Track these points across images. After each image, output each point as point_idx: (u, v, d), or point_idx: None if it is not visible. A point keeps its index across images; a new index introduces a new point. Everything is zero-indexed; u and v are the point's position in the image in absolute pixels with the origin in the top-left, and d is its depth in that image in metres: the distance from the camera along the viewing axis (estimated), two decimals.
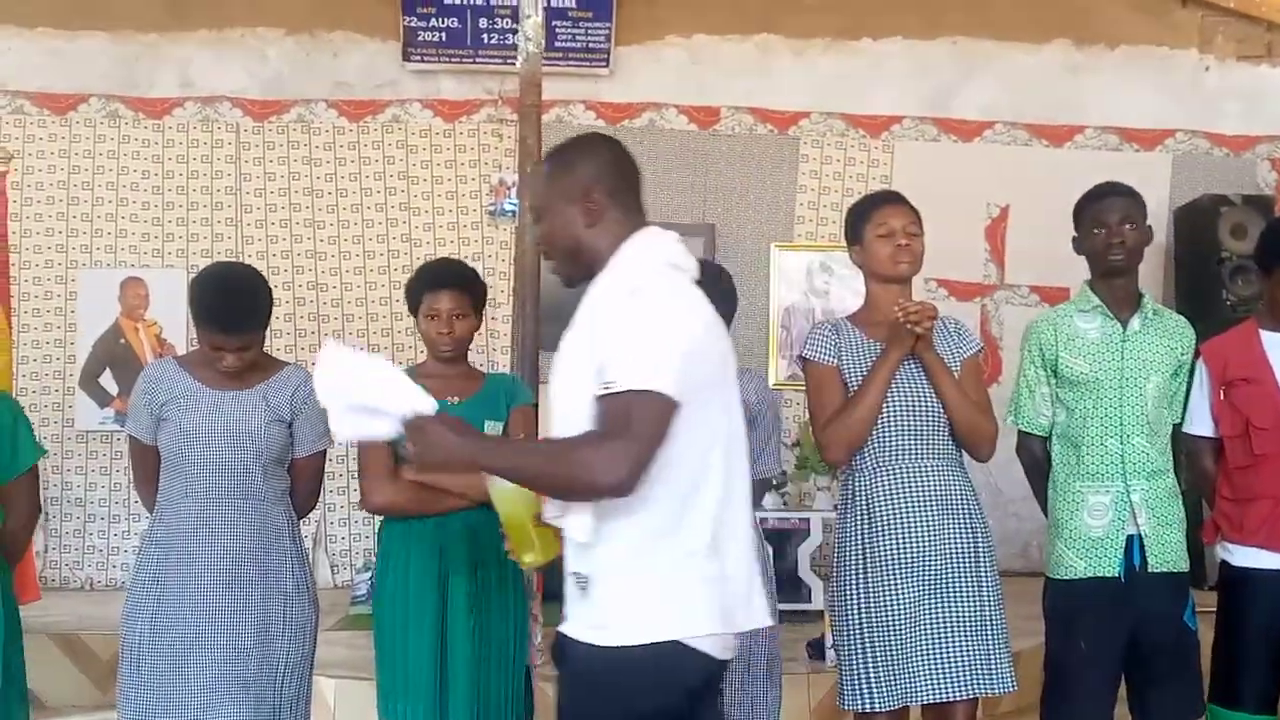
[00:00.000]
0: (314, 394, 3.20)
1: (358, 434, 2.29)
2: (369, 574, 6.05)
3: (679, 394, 2.10)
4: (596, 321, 2.16)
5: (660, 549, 2.13)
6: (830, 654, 4.70)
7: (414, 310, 3.39)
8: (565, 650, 2.19)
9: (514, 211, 7.04)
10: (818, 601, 5.72)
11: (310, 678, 3.27)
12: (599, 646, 2.13)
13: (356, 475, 3.39)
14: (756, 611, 2.24)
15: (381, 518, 3.40)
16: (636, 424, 2.06)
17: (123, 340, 6.98)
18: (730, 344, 2.35)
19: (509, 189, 7.09)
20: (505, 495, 2.26)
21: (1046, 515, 3.40)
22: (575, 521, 2.15)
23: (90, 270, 7.02)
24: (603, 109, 7.22)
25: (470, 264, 3.58)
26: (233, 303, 3.09)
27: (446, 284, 3.33)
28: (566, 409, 2.18)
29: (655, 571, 2.12)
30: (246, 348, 3.13)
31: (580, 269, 2.30)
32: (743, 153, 7.23)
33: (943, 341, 3.15)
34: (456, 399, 3.31)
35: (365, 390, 2.21)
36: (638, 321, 2.12)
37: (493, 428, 3.29)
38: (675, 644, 2.11)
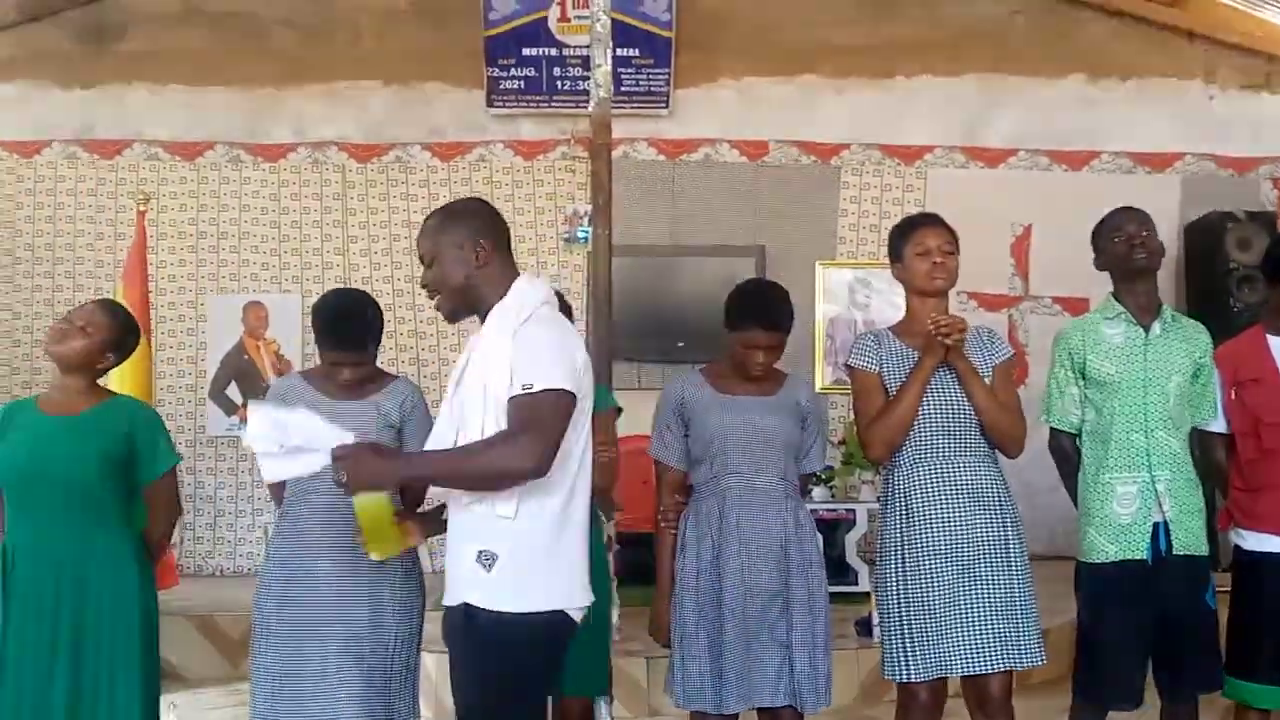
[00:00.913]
0: (421, 403, 3.29)
1: (289, 473, 2.44)
2: None
3: (578, 393, 2.32)
4: (502, 344, 2.33)
5: (559, 528, 2.33)
6: (876, 631, 4.69)
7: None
8: (471, 618, 2.32)
9: (586, 238, 7.06)
10: (863, 584, 5.70)
11: (418, 652, 3.29)
12: (507, 613, 2.29)
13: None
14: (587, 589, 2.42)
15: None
16: (547, 416, 2.25)
17: (246, 356, 7.08)
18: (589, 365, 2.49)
19: (581, 218, 7.11)
20: (368, 502, 2.33)
21: (1077, 505, 3.35)
22: (502, 502, 2.30)
23: (217, 296, 7.14)
24: (664, 145, 7.22)
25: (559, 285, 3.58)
26: (348, 323, 3.14)
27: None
28: (476, 418, 2.33)
29: (556, 547, 2.33)
30: (361, 363, 3.16)
31: (466, 306, 2.45)
32: (789, 181, 7.19)
33: (977, 349, 3.11)
34: None
35: (292, 435, 2.34)
36: (544, 339, 2.33)
37: None
38: (562, 612, 2.34)
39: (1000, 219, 7.07)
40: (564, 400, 2.29)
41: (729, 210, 7.14)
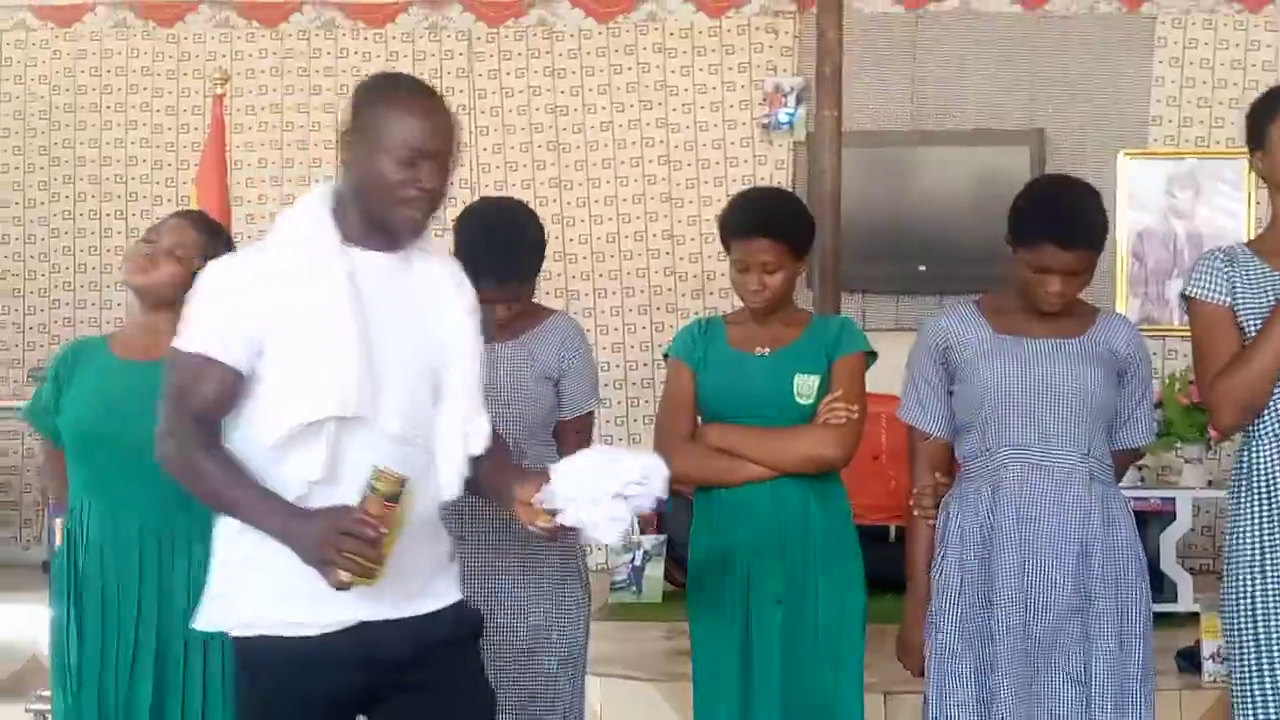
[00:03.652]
0: (584, 345, 3.35)
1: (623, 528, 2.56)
2: (629, 557, 6.22)
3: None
4: None
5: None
6: (1209, 665, 4.63)
7: (726, 249, 3.43)
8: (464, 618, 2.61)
9: (791, 123, 7.03)
10: (1185, 601, 5.58)
11: (584, 674, 3.36)
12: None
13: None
14: None
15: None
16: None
17: None
18: None
19: (785, 96, 7.06)
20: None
21: None
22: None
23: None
24: None
25: (790, 195, 3.61)
26: (500, 248, 3.19)
27: (760, 230, 3.35)
28: None
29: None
30: (517, 298, 3.23)
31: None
32: (1081, 37, 7.00)
33: None
34: (766, 349, 3.35)
35: (605, 484, 2.48)
36: None
37: (804, 382, 3.29)
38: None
39: None
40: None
41: (994, 80, 7.04)
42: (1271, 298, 2.95)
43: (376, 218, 2.46)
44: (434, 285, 2.55)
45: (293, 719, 2.50)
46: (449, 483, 2.53)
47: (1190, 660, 4.82)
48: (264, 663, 2.47)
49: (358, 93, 2.53)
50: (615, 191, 7.27)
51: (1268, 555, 2.92)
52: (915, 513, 3.25)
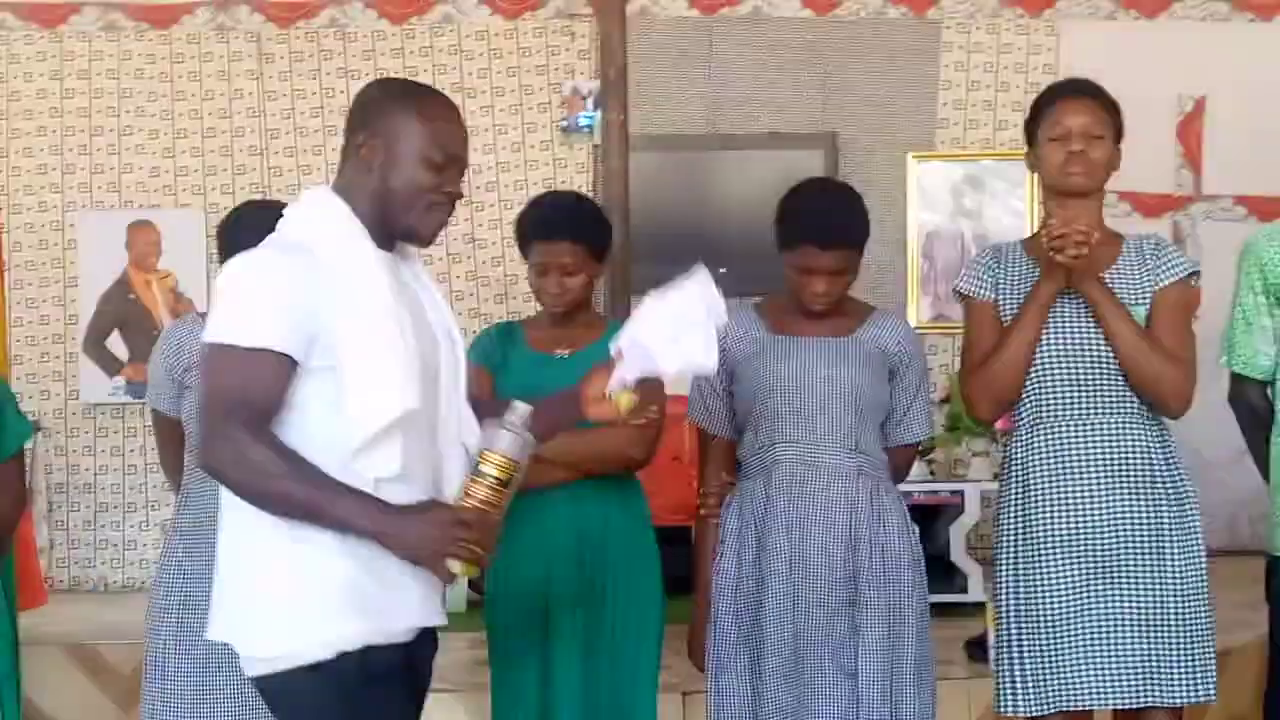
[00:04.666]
0: None
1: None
2: None
3: None
4: None
5: None
6: (993, 653, 4.76)
7: (524, 252, 3.44)
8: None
9: (591, 126, 7.03)
10: (975, 591, 5.71)
11: None
12: None
13: None
14: None
15: None
16: None
17: (131, 296, 7.09)
18: None
19: (584, 99, 7.06)
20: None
21: (1267, 479, 3.34)
22: None
23: (91, 212, 7.13)
24: None
25: (587, 198, 3.63)
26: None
27: (559, 232, 3.34)
28: None
29: None
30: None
31: None
32: (871, 42, 7.11)
33: (1131, 268, 3.12)
34: (567, 351, 3.37)
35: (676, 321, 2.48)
36: None
37: None
38: None
39: (1162, 91, 6.96)
40: None
41: (788, 84, 7.08)
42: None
43: (400, 222, 2.45)
44: (422, 284, 2.54)
45: None
46: (451, 476, 2.47)
47: (979, 649, 4.91)
48: (346, 683, 2.32)
49: (371, 98, 2.51)
50: None
51: (1025, 541, 3.04)
52: (702, 512, 3.29)
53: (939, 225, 7.06)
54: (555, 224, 3.38)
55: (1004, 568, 3.09)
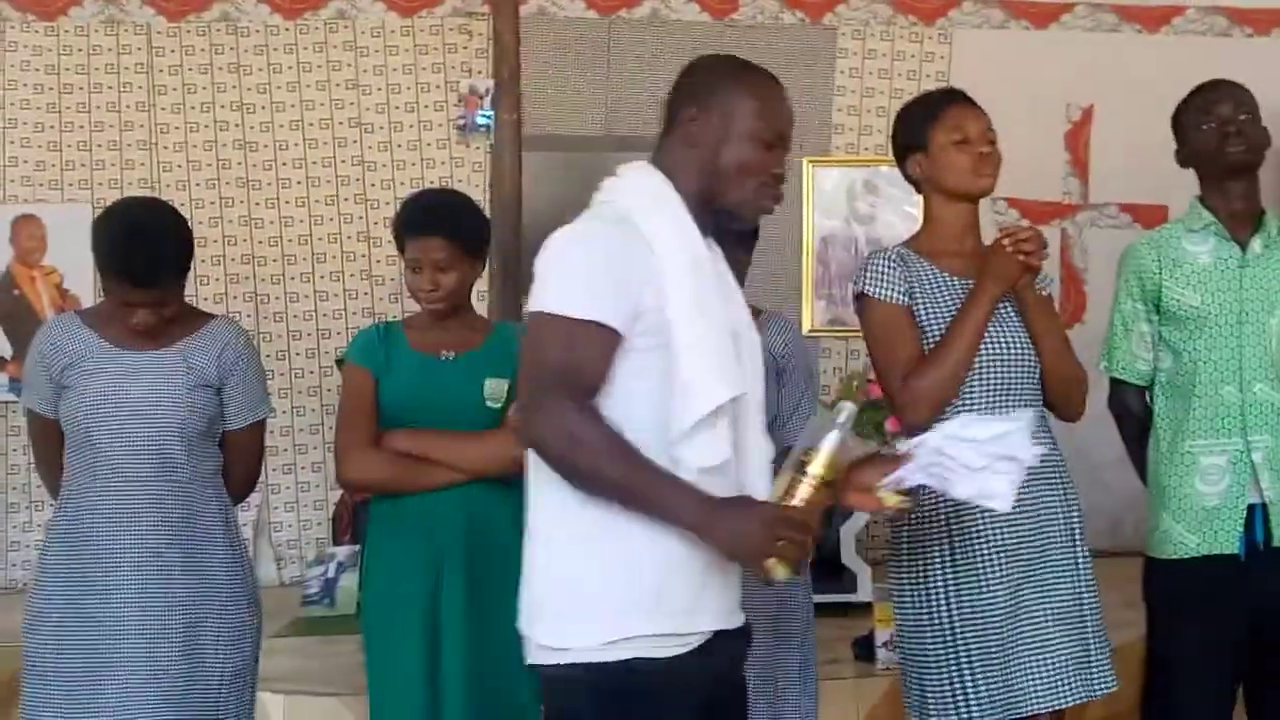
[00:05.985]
0: (249, 351, 3.27)
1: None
2: (322, 569, 6.10)
3: None
4: None
5: None
6: (882, 653, 4.78)
7: (400, 250, 3.42)
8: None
9: (488, 126, 7.01)
10: (864, 592, 5.72)
11: (253, 693, 3.29)
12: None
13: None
14: None
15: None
16: None
17: (16, 291, 6.99)
18: None
19: (481, 99, 7.04)
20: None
21: (1146, 483, 3.40)
22: None
23: None
24: None
25: (463, 195, 3.62)
26: (143, 248, 3.07)
27: (431, 229, 3.33)
28: None
29: None
30: (163, 302, 3.12)
31: None
32: (767, 48, 7.09)
33: None
34: (451, 354, 3.34)
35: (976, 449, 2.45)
36: None
37: (495, 386, 3.29)
38: None
39: (1050, 100, 7.11)
40: None
41: None
42: (948, 298, 3.06)
43: (727, 198, 2.41)
44: (722, 270, 2.48)
45: None
46: (753, 470, 2.39)
47: (866, 648, 4.96)
48: (633, 689, 2.20)
49: (701, 73, 2.49)
50: (307, 193, 7.11)
51: (961, 552, 3.00)
52: None
53: (834, 230, 7.13)
54: (427, 220, 3.36)
55: (934, 574, 3.01)
